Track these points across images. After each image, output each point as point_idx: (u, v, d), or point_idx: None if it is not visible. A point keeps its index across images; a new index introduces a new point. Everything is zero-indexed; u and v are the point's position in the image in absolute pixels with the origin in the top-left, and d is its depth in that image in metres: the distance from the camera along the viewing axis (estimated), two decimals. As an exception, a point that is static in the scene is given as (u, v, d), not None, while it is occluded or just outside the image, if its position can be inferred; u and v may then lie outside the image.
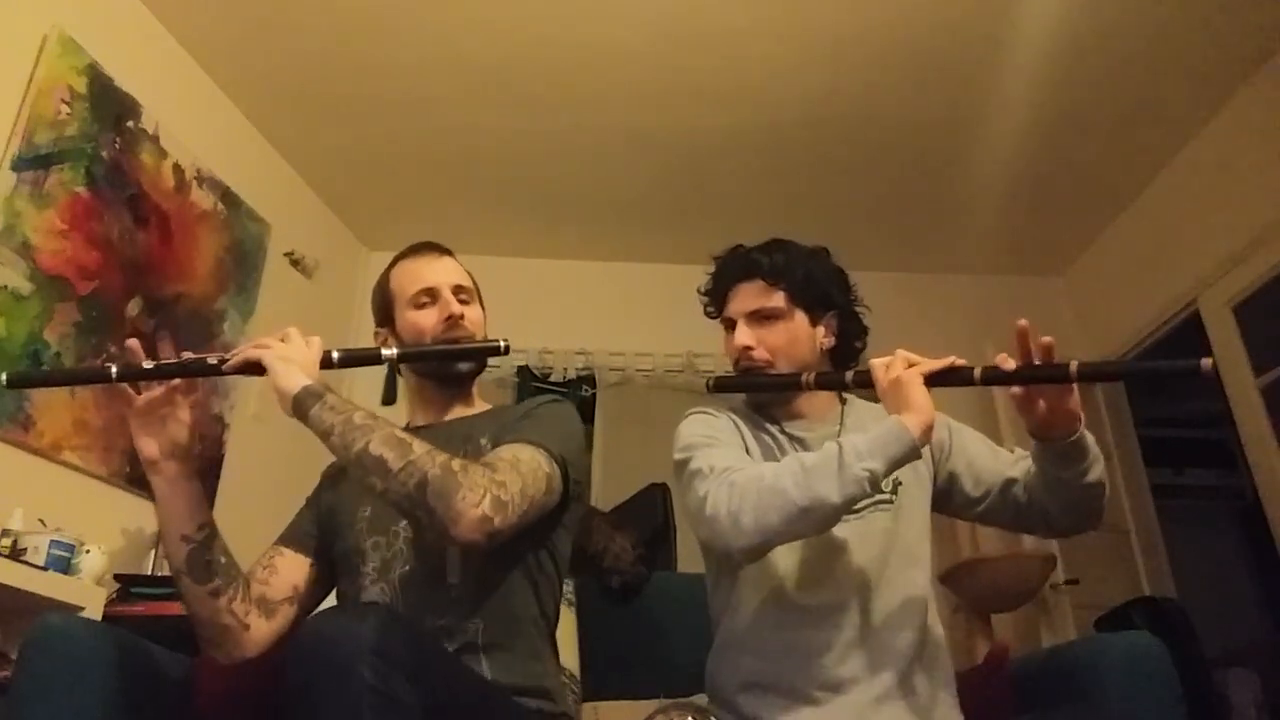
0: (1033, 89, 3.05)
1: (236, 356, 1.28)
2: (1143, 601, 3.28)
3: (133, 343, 1.25)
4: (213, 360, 1.27)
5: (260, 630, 1.32)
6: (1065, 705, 1.32)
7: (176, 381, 1.27)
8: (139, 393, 1.26)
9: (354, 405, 1.23)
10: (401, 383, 1.56)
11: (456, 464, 1.19)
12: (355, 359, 1.39)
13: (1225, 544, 4.78)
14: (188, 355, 1.27)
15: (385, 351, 1.38)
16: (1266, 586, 4.62)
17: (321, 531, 1.45)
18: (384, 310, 1.53)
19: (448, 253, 1.55)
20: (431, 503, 1.15)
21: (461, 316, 1.46)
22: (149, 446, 1.27)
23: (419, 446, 1.19)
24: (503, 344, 1.41)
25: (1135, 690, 1.26)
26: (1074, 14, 2.76)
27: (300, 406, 1.22)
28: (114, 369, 1.24)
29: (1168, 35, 2.84)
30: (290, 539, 1.45)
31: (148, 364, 1.24)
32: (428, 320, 1.46)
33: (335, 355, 1.33)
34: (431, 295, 1.47)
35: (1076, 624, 3.39)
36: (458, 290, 1.49)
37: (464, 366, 1.48)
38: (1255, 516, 3.35)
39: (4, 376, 1.28)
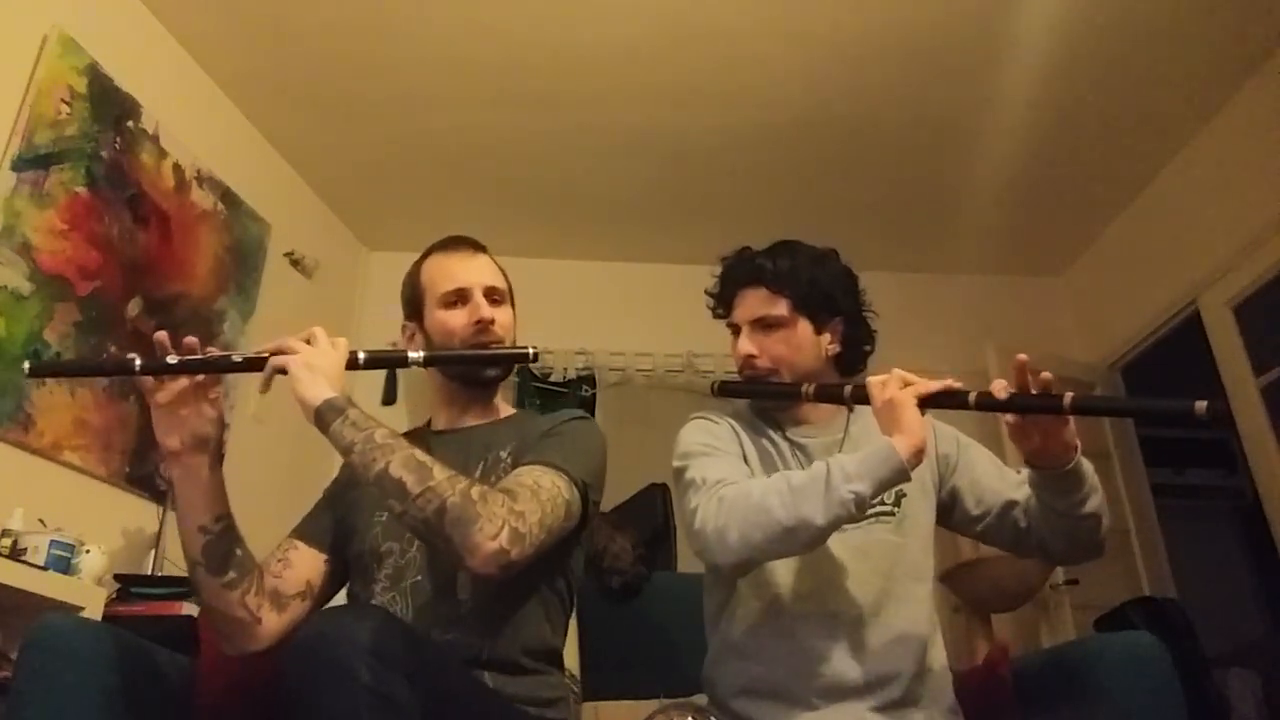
0: (1032, 89, 3.05)
1: (261, 357, 1.26)
2: (1142, 601, 3.28)
3: (161, 335, 1.23)
4: (236, 358, 1.26)
5: (271, 623, 1.31)
6: (1065, 705, 1.32)
7: (200, 377, 1.26)
8: (162, 384, 1.24)
9: (376, 422, 1.21)
10: (424, 379, 1.52)
11: (476, 492, 1.16)
12: (382, 361, 1.37)
13: (1225, 544, 4.77)
14: (211, 351, 1.26)
15: (412, 355, 1.34)
16: (1266, 586, 4.62)
17: (337, 528, 1.44)
18: (413, 304, 1.49)
19: (482, 249, 1.51)
20: (449, 531, 1.14)
21: (491, 321, 1.43)
22: (170, 439, 1.25)
23: (439, 471, 1.17)
24: (531, 351, 1.39)
25: (1135, 690, 1.26)
26: (1073, 14, 2.76)
27: (321, 419, 1.20)
28: (137, 362, 1.22)
29: (1167, 36, 2.84)
30: (306, 533, 1.44)
31: (171, 359, 1.22)
32: (456, 321, 1.43)
33: (361, 357, 1.30)
34: (462, 296, 1.44)
35: (1076, 624, 3.38)
36: (490, 292, 1.45)
37: (490, 372, 1.46)
38: (1255, 516, 3.35)
39: (26, 365, 1.30)
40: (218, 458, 1.31)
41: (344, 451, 1.20)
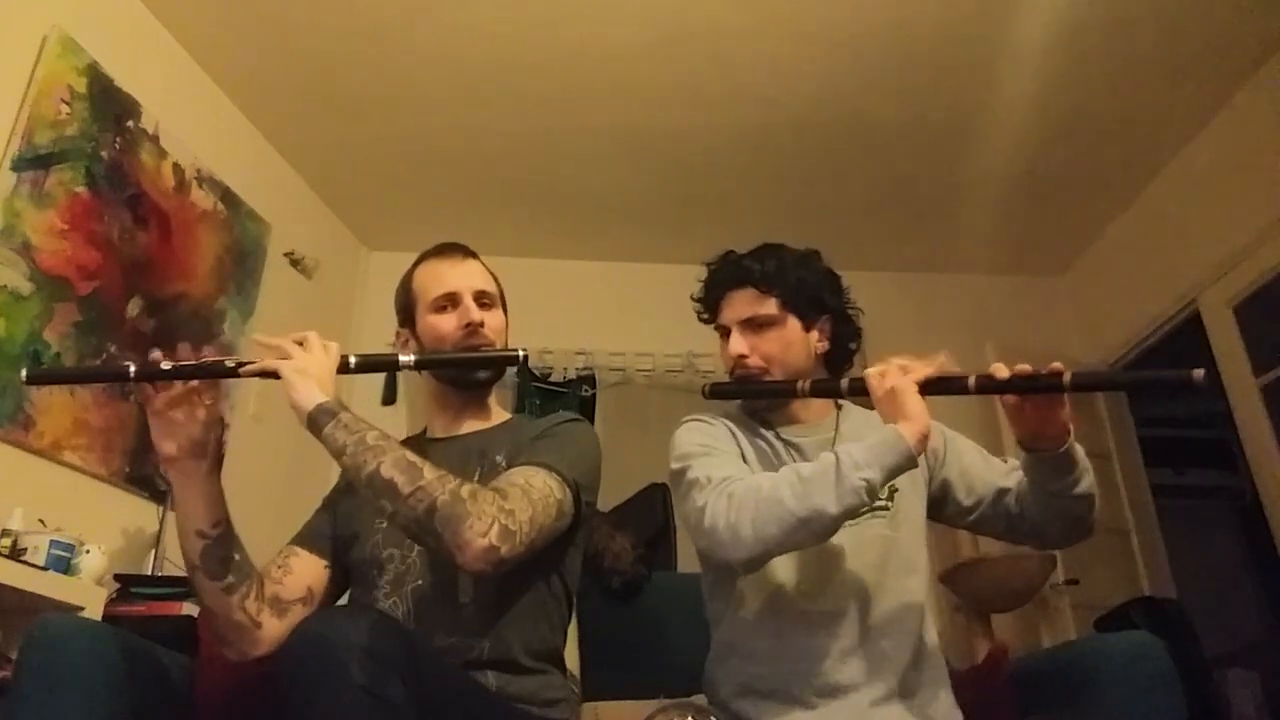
0: (1032, 89, 3.05)
1: (254, 363, 1.27)
2: (1143, 601, 3.28)
3: (157, 355, 1.25)
4: (230, 364, 1.27)
5: (272, 629, 1.31)
6: (1065, 705, 1.32)
7: (195, 383, 1.27)
8: (158, 391, 1.26)
9: (368, 424, 1.22)
10: (420, 385, 1.54)
11: (466, 491, 1.18)
12: (372, 365, 1.38)
13: (1225, 544, 4.78)
14: (207, 351, 1.27)
15: (403, 358, 1.36)
16: (1266, 586, 4.62)
17: (337, 535, 1.45)
18: (406, 310, 1.51)
19: (472, 255, 1.53)
20: (439, 529, 1.15)
21: (481, 324, 1.44)
22: (167, 445, 1.27)
23: (430, 471, 1.18)
24: (521, 353, 1.41)
25: (1135, 690, 1.26)
26: (1073, 15, 2.76)
27: (314, 424, 1.21)
28: (132, 368, 1.24)
29: (1168, 35, 2.84)
30: (306, 540, 1.44)
31: (165, 365, 1.23)
32: (447, 325, 1.45)
33: (353, 361, 1.32)
34: (452, 300, 1.46)
35: (1076, 624, 3.38)
36: (479, 296, 1.47)
37: (482, 374, 1.48)
38: (1255, 516, 3.35)
39: (23, 373, 1.34)
40: (216, 463, 1.31)
41: (336, 454, 1.21)
